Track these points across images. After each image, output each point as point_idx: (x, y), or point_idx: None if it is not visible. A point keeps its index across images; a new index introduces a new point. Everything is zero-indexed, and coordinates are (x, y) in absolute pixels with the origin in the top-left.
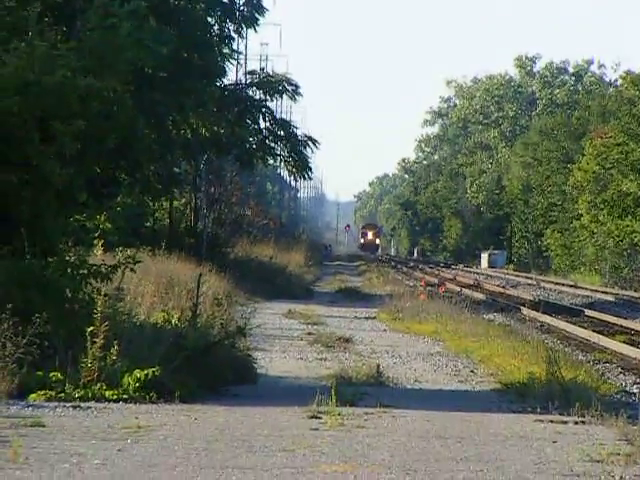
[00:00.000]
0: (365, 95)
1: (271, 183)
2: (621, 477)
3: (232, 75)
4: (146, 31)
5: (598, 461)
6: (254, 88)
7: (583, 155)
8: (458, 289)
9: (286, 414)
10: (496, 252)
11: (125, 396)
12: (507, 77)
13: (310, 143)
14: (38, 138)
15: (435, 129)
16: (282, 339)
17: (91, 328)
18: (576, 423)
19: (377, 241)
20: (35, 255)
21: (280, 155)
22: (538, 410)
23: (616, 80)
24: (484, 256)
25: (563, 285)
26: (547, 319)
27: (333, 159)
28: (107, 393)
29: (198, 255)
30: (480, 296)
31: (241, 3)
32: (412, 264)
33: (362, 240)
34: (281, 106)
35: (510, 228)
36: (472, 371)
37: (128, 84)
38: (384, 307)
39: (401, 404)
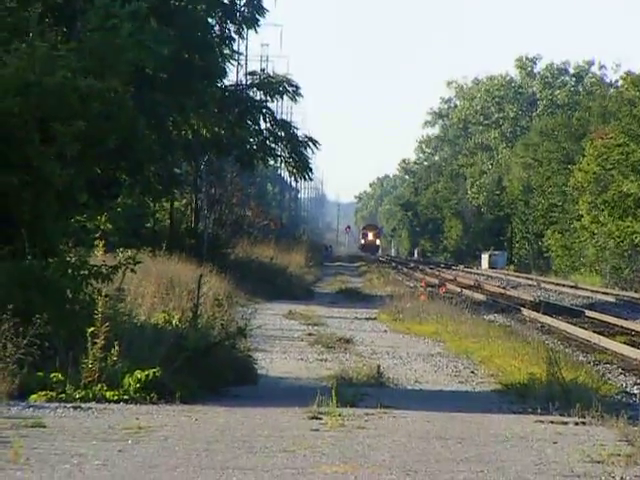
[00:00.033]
0: (366, 96)
1: (272, 184)
2: (622, 478)
3: (233, 76)
4: (147, 32)
5: (599, 462)
6: (255, 89)
7: (584, 156)
8: (458, 290)
9: (287, 415)
10: (496, 253)
11: (126, 397)
12: (508, 78)
13: (310, 144)
14: (38, 139)
15: (436, 130)
16: (283, 340)
17: (92, 329)
18: (576, 424)
19: (377, 242)
20: (36, 256)
21: (281, 156)
22: (538, 411)
23: (617, 81)
24: (484, 257)
25: (564, 286)
26: (547, 320)
27: (333, 160)
28: (108, 394)
29: (199, 256)
30: (481, 297)
31: (242, 4)
32: (412, 265)
33: (362, 241)
34: (281, 107)
35: (510, 229)
36: (472, 372)
37: (128, 85)
38: (384, 308)
39: (401, 405)
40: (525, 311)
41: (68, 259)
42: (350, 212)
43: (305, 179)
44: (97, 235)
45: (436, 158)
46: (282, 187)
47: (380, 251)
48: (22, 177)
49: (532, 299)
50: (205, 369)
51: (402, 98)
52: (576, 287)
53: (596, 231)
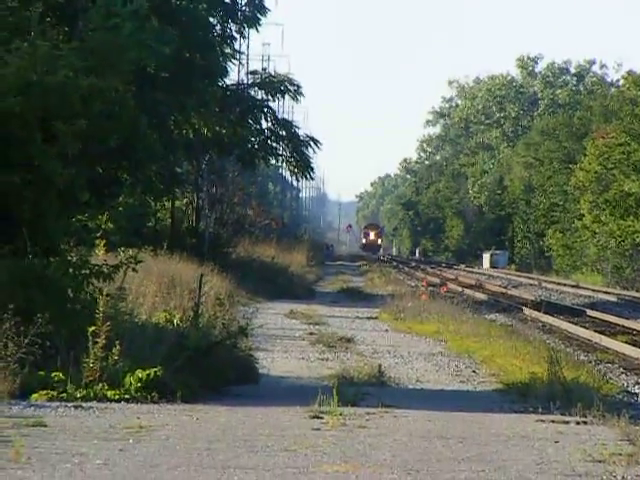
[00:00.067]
0: (367, 95)
1: (273, 183)
2: (623, 477)
3: (234, 75)
4: (148, 31)
5: (600, 461)
6: (256, 88)
7: (585, 155)
8: (460, 289)
9: (288, 414)
10: (498, 252)
11: (127, 396)
12: (509, 77)
13: (312, 143)
14: (40, 138)
15: (437, 129)
16: (284, 339)
17: (93, 328)
18: (578, 423)
19: (379, 241)
20: (37, 255)
21: (282, 155)
22: (540, 410)
23: (618, 80)
24: (486, 256)
25: (565, 285)
26: (549, 319)
27: (335, 159)
28: (109, 393)
29: (200, 255)
30: (482, 296)
31: (243, 3)
32: (414, 264)
33: (364, 240)
34: (283, 106)
35: (512, 228)
36: (474, 371)
37: (130, 84)
38: (386, 307)
39: (403, 404)
40: (526, 310)
41: (69, 258)
42: (351, 211)
43: (306, 178)
44: (98, 234)
45: (437, 157)
46: (283, 186)
47: (381, 250)
48: (24, 176)
49: (533, 298)
50: (206, 368)
51: (403, 97)
52: (577, 286)
53: (597, 230)
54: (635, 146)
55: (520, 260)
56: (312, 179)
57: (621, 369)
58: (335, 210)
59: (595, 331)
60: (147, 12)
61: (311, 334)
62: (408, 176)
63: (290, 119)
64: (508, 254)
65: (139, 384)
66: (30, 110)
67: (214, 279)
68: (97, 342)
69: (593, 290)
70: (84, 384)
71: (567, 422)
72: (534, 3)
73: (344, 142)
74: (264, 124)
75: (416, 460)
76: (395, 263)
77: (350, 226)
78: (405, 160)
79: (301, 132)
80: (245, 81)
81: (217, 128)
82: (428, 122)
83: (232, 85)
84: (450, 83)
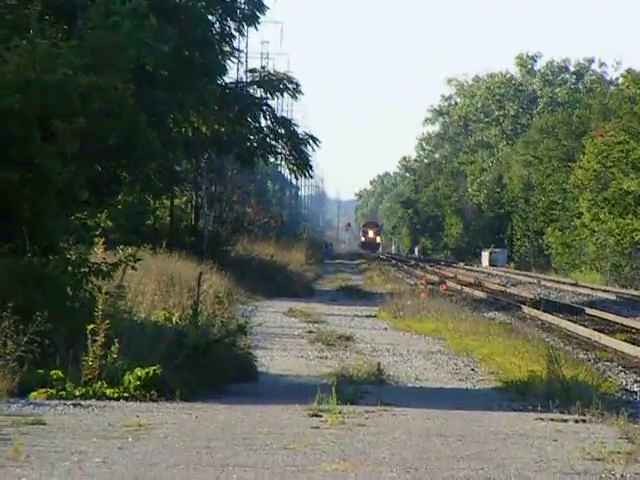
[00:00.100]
0: (366, 93)
1: (272, 181)
2: (622, 475)
3: (233, 73)
4: (147, 29)
5: (599, 459)
6: (255, 86)
7: (584, 153)
8: (459, 287)
9: (287, 412)
10: (497, 250)
11: (126, 394)
12: (508, 75)
13: (311, 141)
14: (39, 136)
15: (436, 127)
16: (283, 337)
17: (92, 326)
18: (577, 421)
19: (378, 239)
20: (36, 253)
21: (281, 153)
22: (539, 408)
23: (617, 78)
24: (485, 254)
25: (564, 283)
26: (548, 317)
27: (334, 157)
28: (108, 391)
29: (199, 253)
30: (481, 294)
31: (242, 1)
32: (413, 262)
33: (363, 238)
34: (282, 104)
35: (511, 226)
36: (473, 369)
37: (129, 82)
38: (385, 305)
39: (402, 402)
40: (525, 309)
41: (68, 256)
42: (350, 210)
43: (305, 176)
44: (97, 232)
45: (436, 156)
46: (282, 185)
47: (380, 249)
48: (23, 174)
49: (532, 297)
50: (205, 367)
51: (402, 95)
52: (576, 285)
53: (596, 229)
54: (634, 144)
55: (519, 258)
56: (311, 177)
57: (620, 367)
58: (334, 208)
59: (594, 329)
60: (146, 10)
61: (310, 332)
62: (407, 174)
63: (289, 117)
64: (507, 252)
65: (138, 382)
66: (29, 108)
67: (213, 277)
68: (96, 340)
69: (592, 288)
70: (83, 382)
71: (566, 420)
72: (533, 1)
73: (343, 140)
74: (263, 122)
75: (415, 458)
76: (394, 261)
77: (349, 224)
78: (404, 158)
79: (300, 130)
80: (244, 79)
81: (216, 126)
82: (427, 120)
83: (231, 83)
84: (449, 81)
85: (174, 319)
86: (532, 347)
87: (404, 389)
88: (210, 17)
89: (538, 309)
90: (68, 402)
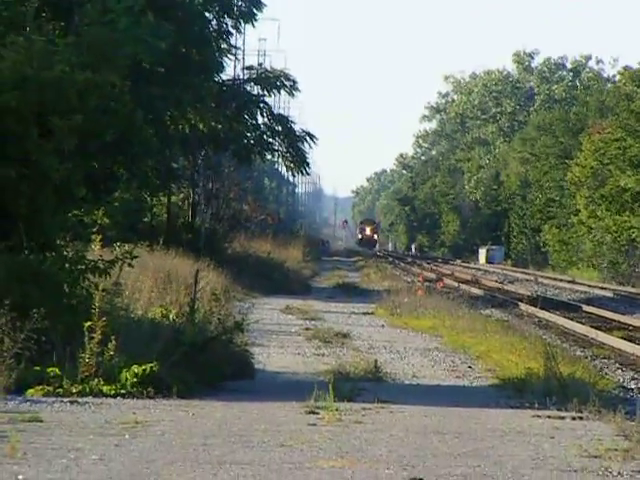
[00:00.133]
0: (363, 90)
1: (269, 178)
2: (619, 473)
3: (230, 70)
4: (144, 26)
5: (596, 457)
6: (252, 83)
7: (581, 151)
8: (456, 285)
9: (284, 409)
10: (494, 248)
11: (123, 391)
12: (505, 72)
13: (308, 138)
14: (36, 133)
15: (433, 124)
16: (280, 334)
17: (89, 323)
18: (574, 419)
19: (375, 237)
20: (33, 250)
21: (278, 150)
22: (536, 405)
23: (614, 76)
24: (482, 252)
25: (561, 281)
26: (545, 315)
27: (331, 154)
28: (105, 388)
29: (196, 250)
30: (478, 292)
31: None
32: (410, 260)
33: (360, 236)
34: (279, 101)
35: (508, 224)
36: (470, 367)
37: (126, 79)
38: (382, 303)
39: (399, 399)
40: (522, 306)
41: (65, 253)
42: (347, 207)
43: (302, 174)
44: (94, 229)
45: (433, 153)
46: (279, 182)
47: (377, 246)
48: (20, 171)
49: (529, 294)
50: (202, 364)
51: (399, 92)
52: (573, 282)
53: (593, 226)
54: (631, 141)
55: (516, 255)
56: (308, 174)
57: (617, 364)
58: (331, 205)
59: (591, 326)
60: (143, 7)
61: (307, 329)
62: (404, 171)
63: (286, 114)
64: (504, 249)
65: (135, 379)
66: (26, 105)
67: (210, 274)
68: (93, 337)
69: (589, 285)
70: (80, 379)
71: (563, 417)
72: None
73: (340, 137)
74: (260, 119)
75: (412, 455)
76: (391, 258)
77: (346, 221)
78: (401, 155)
79: (297, 127)
80: (241, 76)
81: (213, 123)
82: (424, 117)
83: (228, 80)
84: (446, 78)
85: (171, 316)
86: (529, 344)
87: (401, 386)
88: (207, 14)
89: (535, 306)
90: (65, 399)
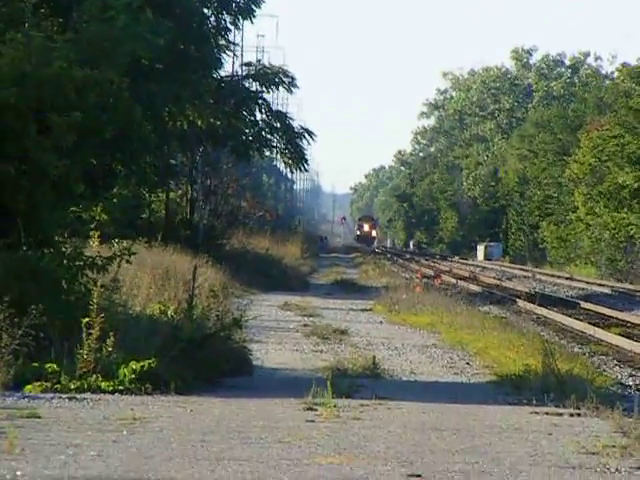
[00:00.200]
0: (361, 87)
1: (267, 175)
2: (616, 469)
3: (228, 67)
4: (143, 23)
5: (593, 453)
6: (250, 80)
7: (579, 147)
8: (454, 281)
9: (282, 406)
10: (492, 244)
11: (121, 387)
12: (503, 69)
13: (306, 135)
14: (35, 130)
15: (431, 121)
16: (278, 331)
17: (87, 319)
18: (571, 415)
19: (373, 233)
20: (31, 246)
21: (276, 147)
22: (534, 402)
23: (612, 72)
24: (480, 248)
25: (559, 277)
26: (543, 311)
27: (329, 151)
28: (103, 384)
29: (194, 247)
30: (476, 288)
31: None
32: (408, 256)
33: (358, 232)
34: (277, 98)
35: (506, 220)
36: (468, 363)
37: (124, 76)
38: (380, 299)
39: (397, 396)
40: (520, 302)
41: (64, 250)
42: (345, 203)
43: (301, 170)
44: (93, 226)
45: (432, 149)
46: (278, 178)
47: (376, 242)
48: (18, 168)
49: (527, 290)
50: (200, 360)
51: (398, 89)
52: (571, 279)
53: (591, 223)
54: (629, 138)
55: (514, 252)
56: (306, 171)
57: (615, 361)
58: (329, 202)
59: (589, 323)
60: (141, 4)
61: (305, 326)
62: (402, 168)
63: (284, 111)
64: (502, 246)
65: (133, 376)
66: (25, 101)
67: (208, 271)
68: (91, 334)
69: (587, 282)
70: (78, 375)
71: (561, 414)
72: None
73: (338, 134)
74: (258, 116)
75: (410, 452)
76: (389, 255)
77: (344, 218)
78: (399, 152)
79: (295, 124)
80: (240, 73)
81: (211, 120)
82: (422, 114)
83: (226, 77)
84: (444, 75)
85: (169, 312)
86: (527, 341)
87: (399, 383)
88: (205, 10)
89: (533, 303)
90: (63, 395)
